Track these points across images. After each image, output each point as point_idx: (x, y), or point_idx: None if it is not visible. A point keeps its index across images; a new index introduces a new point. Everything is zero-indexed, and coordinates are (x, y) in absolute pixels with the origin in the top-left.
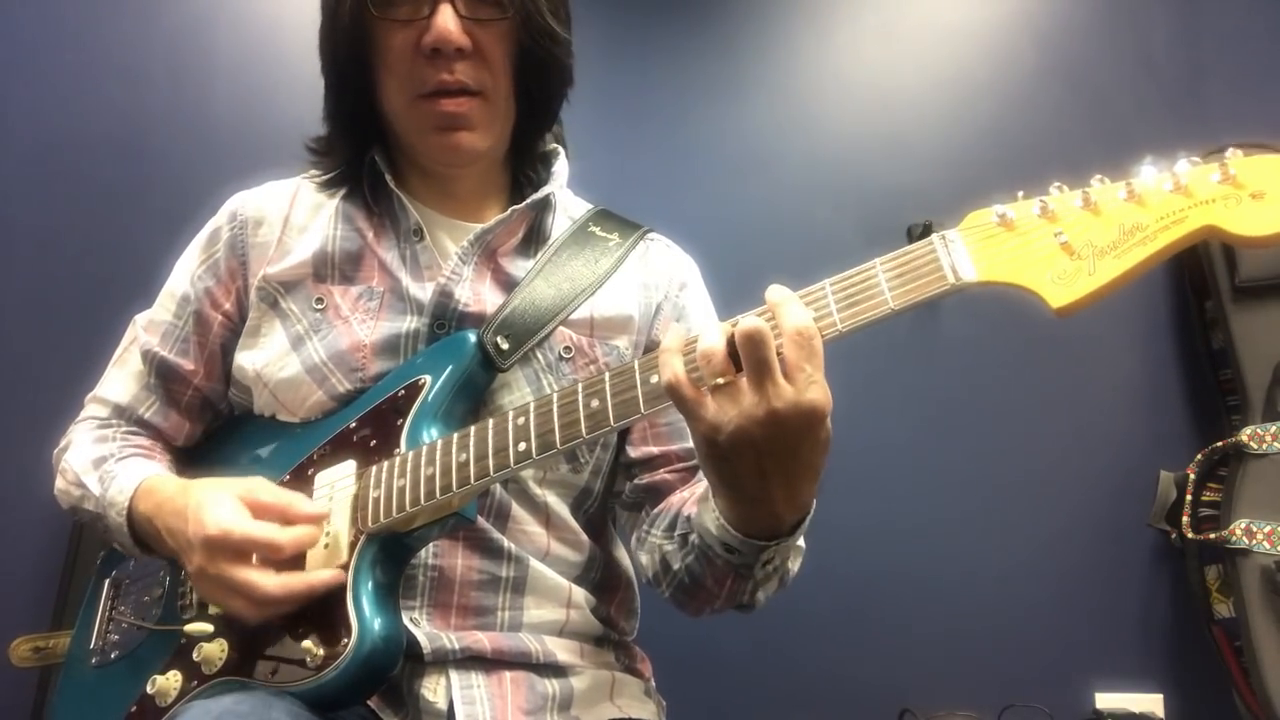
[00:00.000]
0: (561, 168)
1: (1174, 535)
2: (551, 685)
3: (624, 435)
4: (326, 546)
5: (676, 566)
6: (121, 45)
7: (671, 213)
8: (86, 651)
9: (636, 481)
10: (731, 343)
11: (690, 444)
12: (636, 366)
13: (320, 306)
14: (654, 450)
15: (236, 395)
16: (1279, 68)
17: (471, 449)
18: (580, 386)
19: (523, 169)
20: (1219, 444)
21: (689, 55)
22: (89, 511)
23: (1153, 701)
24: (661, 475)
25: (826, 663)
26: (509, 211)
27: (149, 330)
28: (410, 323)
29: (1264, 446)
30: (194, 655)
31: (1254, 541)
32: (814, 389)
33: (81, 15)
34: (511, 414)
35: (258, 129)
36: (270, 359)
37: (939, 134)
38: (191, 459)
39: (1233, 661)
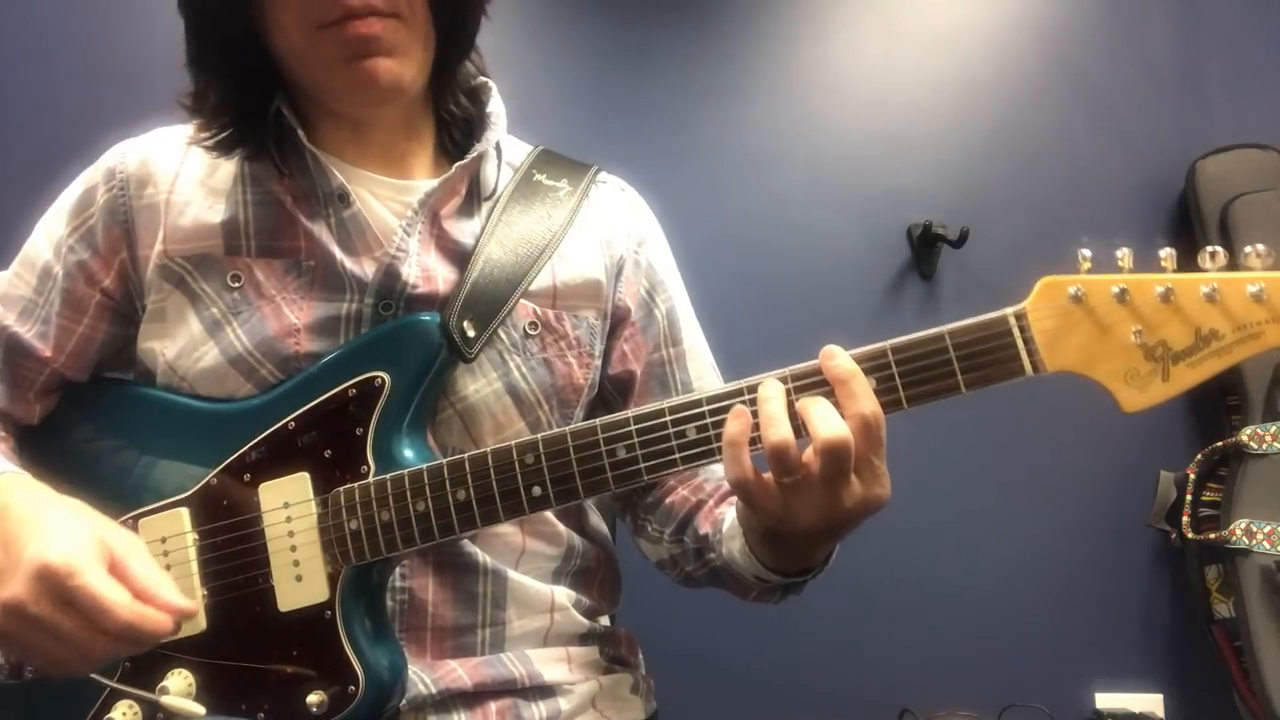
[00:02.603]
0: (498, 107)
1: (1174, 535)
2: (538, 710)
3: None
4: (299, 579)
5: (690, 569)
6: (121, 45)
7: (671, 213)
8: None
9: None
10: (795, 427)
11: None
12: (667, 415)
13: (237, 284)
14: None
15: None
16: (1279, 68)
17: (471, 487)
18: (600, 430)
19: (445, 105)
20: (1219, 444)
21: (689, 57)
22: None
23: (1153, 701)
24: None
25: (826, 663)
26: (453, 169)
27: (2, 302)
28: (350, 304)
29: (1264, 446)
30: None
31: (1254, 541)
32: (879, 484)
33: (81, 15)
34: (515, 450)
35: None
36: (182, 349)
37: (939, 135)
38: (63, 439)
39: (1233, 661)
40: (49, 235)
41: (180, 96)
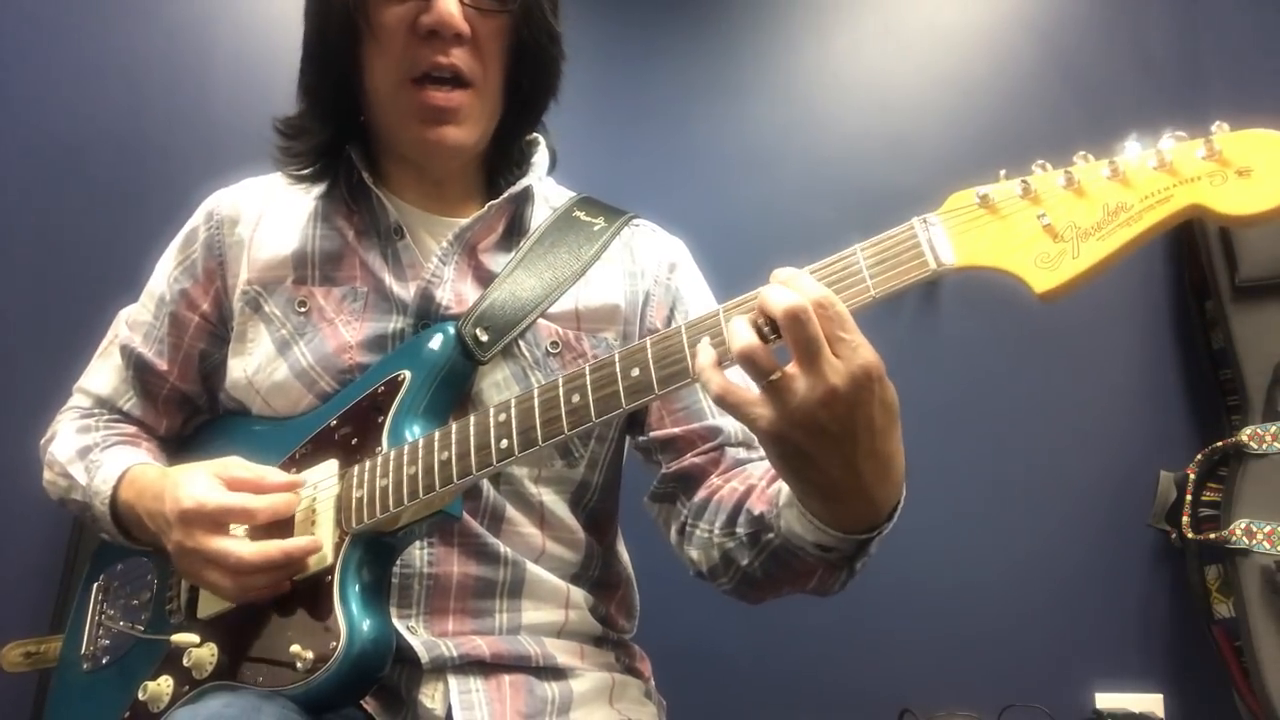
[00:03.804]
0: (541, 158)
1: (1174, 535)
2: (551, 689)
3: (638, 422)
4: None
5: (745, 563)
6: (121, 45)
7: (671, 213)
8: (78, 657)
9: (665, 470)
10: (761, 332)
11: (711, 422)
12: (617, 359)
13: (303, 310)
14: (675, 431)
15: (230, 404)
16: (1279, 67)
17: (453, 447)
18: (561, 381)
19: (503, 163)
20: (1219, 444)
21: (690, 56)
22: (77, 501)
23: (1153, 701)
24: (689, 460)
25: (826, 663)
26: (486, 207)
27: (131, 327)
28: (395, 323)
29: (1264, 446)
30: (184, 660)
31: (1254, 541)
32: (861, 352)
33: (81, 15)
34: (493, 410)
35: (258, 128)
36: (260, 364)
37: (939, 134)
38: (177, 454)
39: (1233, 661)
40: (163, 270)
41: (276, 121)
